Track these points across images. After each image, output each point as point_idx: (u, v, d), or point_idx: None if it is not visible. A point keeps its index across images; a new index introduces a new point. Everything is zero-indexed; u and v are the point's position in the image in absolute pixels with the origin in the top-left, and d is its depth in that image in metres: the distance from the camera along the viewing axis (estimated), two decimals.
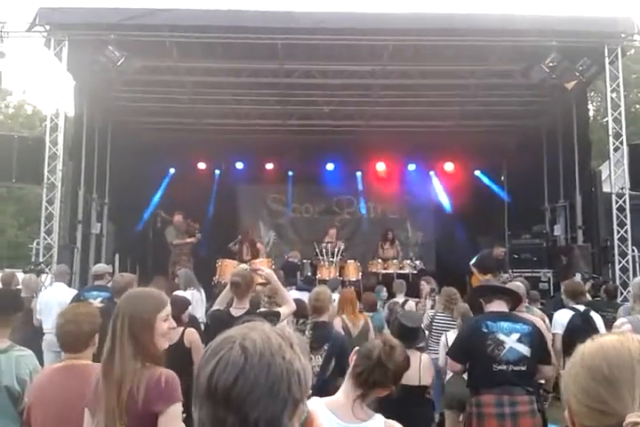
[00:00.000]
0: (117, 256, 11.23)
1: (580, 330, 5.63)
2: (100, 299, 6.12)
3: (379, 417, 2.31)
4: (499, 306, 4.33)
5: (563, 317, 5.78)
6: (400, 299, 8.13)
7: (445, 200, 14.57)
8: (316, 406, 2.19)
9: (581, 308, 5.84)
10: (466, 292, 8.09)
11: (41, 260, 8.90)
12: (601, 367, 1.05)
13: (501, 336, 4.12)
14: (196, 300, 7.42)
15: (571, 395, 1.08)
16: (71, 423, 2.57)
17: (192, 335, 4.77)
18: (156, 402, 2.30)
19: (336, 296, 6.75)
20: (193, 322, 5.26)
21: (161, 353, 2.47)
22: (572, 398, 1.08)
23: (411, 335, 4.58)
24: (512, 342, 4.11)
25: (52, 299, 7.09)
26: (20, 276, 8.02)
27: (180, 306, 4.98)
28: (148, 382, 2.32)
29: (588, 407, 1.04)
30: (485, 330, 4.17)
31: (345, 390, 2.39)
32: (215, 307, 4.90)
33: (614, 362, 1.05)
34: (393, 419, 2.37)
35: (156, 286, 2.97)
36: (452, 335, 5.53)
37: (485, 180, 14.48)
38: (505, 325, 4.18)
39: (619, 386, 1.02)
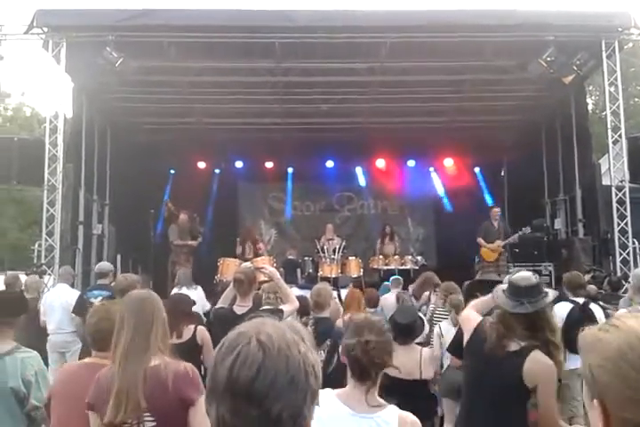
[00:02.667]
0: (119, 257, 11.25)
1: (578, 322, 5.65)
2: (100, 298, 6.14)
3: (392, 407, 2.31)
4: None
5: (562, 309, 5.79)
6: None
7: (445, 196, 14.60)
8: (327, 397, 2.19)
9: (581, 300, 5.86)
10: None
11: (43, 261, 8.93)
12: None
13: None
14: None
15: (609, 388, 1.05)
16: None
17: (204, 333, 4.81)
18: (188, 390, 2.39)
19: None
20: (198, 320, 5.31)
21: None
22: (610, 392, 1.05)
23: (405, 331, 4.60)
24: None
25: (56, 300, 7.13)
26: (23, 278, 8.04)
27: (189, 303, 5.06)
28: (176, 371, 2.41)
29: (631, 400, 1.02)
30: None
31: (351, 382, 2.41)
32: (219, 305, 4.94)
33: None
34: None
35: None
36: (445, 325, 5.60)
37: (480, 180, 14.50)
38: None
39: None
